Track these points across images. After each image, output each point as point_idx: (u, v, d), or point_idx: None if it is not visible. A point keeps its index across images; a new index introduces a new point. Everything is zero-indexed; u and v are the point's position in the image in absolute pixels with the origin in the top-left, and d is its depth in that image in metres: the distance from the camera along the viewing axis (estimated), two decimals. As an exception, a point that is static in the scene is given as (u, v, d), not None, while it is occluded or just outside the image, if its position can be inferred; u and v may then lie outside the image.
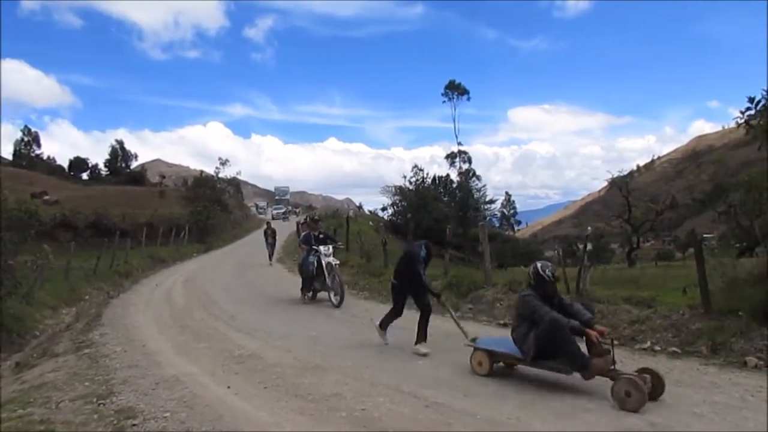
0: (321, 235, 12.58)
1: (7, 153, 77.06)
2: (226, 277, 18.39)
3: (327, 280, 11.72)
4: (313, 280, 12.21)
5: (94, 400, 5.87)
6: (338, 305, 11.40)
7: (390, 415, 4.86)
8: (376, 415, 4.89)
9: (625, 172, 41.07)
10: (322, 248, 11.96)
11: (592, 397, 5.04)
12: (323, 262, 11.75)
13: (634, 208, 37.30)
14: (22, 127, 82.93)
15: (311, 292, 12.51)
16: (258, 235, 41.84)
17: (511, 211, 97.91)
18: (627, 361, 6.17)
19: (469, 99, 71.29)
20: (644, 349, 6.61)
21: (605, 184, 45.88)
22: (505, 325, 8.68)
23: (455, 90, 70.94)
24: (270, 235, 23.59)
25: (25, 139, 77.92)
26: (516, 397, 5.16)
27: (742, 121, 7.30)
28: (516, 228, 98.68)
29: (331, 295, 11.71)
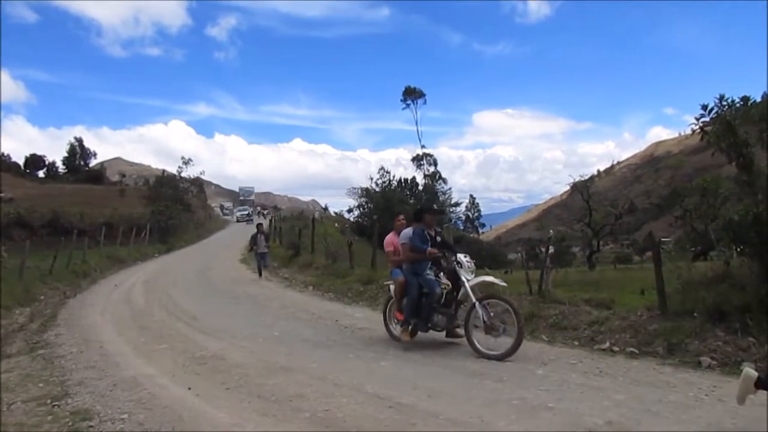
0: (438, 239, 7.82)
1: (-42, 149, 73.86)
2: (188, 278, 18.07)
3: (469, 315, 7.12)
4: (432, 313, 7.37)
5: (49, 401, 5.68)
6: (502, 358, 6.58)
7: (353, 416, 4.84)
8: (340, 415, 4.87)
9: (586, 177, 42.04)
10: (462, 257, 7.35)
11: (555, 395, 5.13)
12: (465, 283, 7.13)
13: (595, 212, 38.17)
14: (-26, 122, 79.85)
15: (431, 329, 7.52)
16: (222, 236, 41.48)
17: (476, 214, 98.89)
18: (586, 361, 6.33)
19: (425, 102, 72.06)
20: (603, 350, 6.77)
21: (567, 188, 46.92)
22: (469, 325, 8.75)
23: (412, 95, 71.75)
24: (262, 242, 17.79)
25: (-22, 134, 74.87)
26: (480, 397, 5.21)
27: (697, 127, 7.56)
28: (480, 231, 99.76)
29: (482, 346, 6.87)
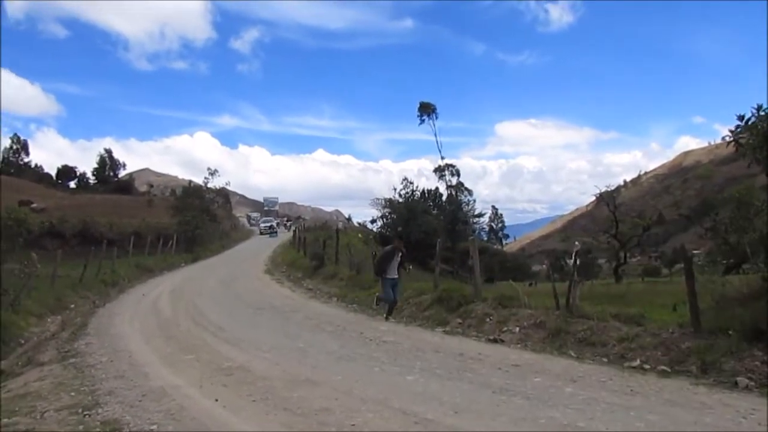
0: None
1: (-3, 161, 76.31)
2: (213, 288, 18.24)
3: None
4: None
5: (80, 410, 5.79)
6: None
7: None
8: (366, 431, 4.85)
9: (612, 187, 41.52)
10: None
11: (584, 414, 5.03)
12: None
13: (621, 224, 37.63)
14: (11, 135, 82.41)
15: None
16: (247, 247, 41.75)
17: (499, 225, 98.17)
18: (616, 379, 6.19)
19: (437, 117, 72.03)
20: (634, 368, 6.61)
21: (592, 198, 46.31)
22: (495, 340, 8.67)
23: (426, 110, 71.73)
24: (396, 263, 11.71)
25: (14, 147, 77.27)
26: (507, 414, 5.14)
27: (732, 139, 7.40)
28: (504, 242, 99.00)
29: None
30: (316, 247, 22.04)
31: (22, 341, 11.40)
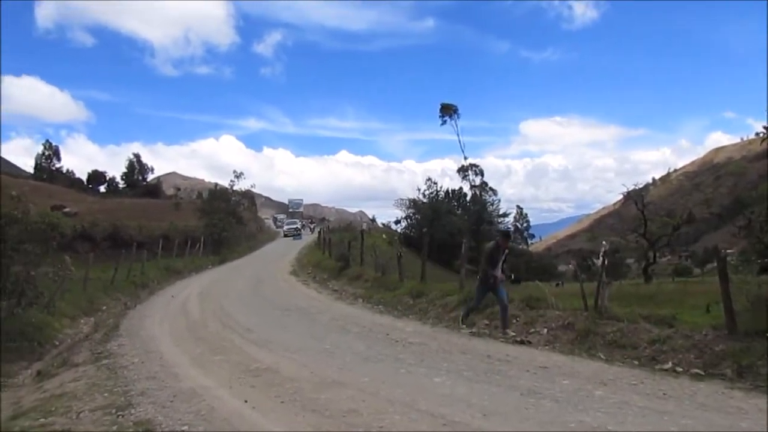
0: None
1: (28, 167, 78.81)
2: (240, 290, 18.46)
3: None
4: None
5: (113, 411, 5.91)
6: None
7: (408, 434, 4.82)
8: (394, 432, 4.86)
9: (641, 186, 40.81)
10: None
11: (615, 418, 4.96)
12: None
13: (650, 222, 36.94)
14: (43, 141, 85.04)
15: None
16: (272, 248, 42.16)
17: (524, 225, 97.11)
18: (648, 382, 6.08)
19: (459, 117, 71.76)
20: (665, 370, 6.49)
21: (620, 197, 45.56)
22: (522, 342, 8.60)
23: (448, 111, 71.55)
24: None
25: (46, 153, 79.39)
26: (536, 418, 5.09)
27: (766, 134, 7.23)
28: (529, 242, 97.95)
29: None
30: (341, 249, 22.14)
31: (57, 342, 11.70)
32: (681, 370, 6.43)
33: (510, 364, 7.19)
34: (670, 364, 6.59)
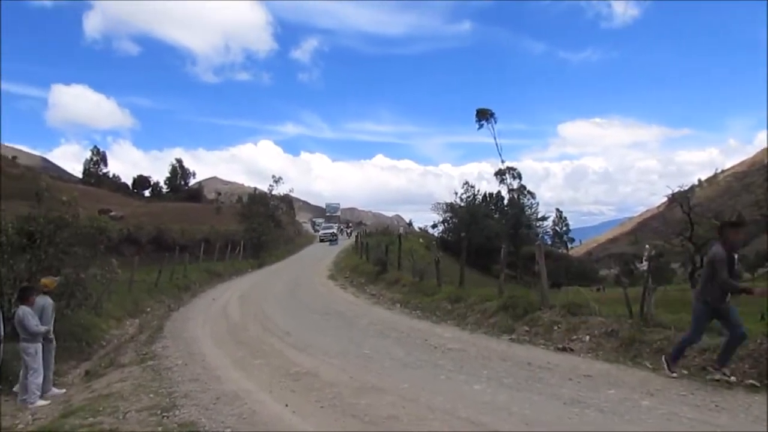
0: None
1: (77, 172, 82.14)
2: (279, 293, 18.68)
3: None
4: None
5: (159, 412, 6.06)
6: None
7: (449, 441, 4.77)
8: (435, 440, 4.82)
9: (686, 187, 39.49)
10: None
11: (665, 429, 4.80)
12: None
13: (697, 226, 35.60)
14: (90, 147, 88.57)
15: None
16: (310, 252, 42.53)
17: (564, 228, 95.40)
18: (699, 394, 5.85)
19: (496, 121, 71.30)
20: (717, 381, 6.22)
21: (664, 199, 44.23)
22: (564, 349, 8.41)
23: (484, 116, 71.27)
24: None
25: (94, 158, 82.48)
26: (581, 427, 4.97)
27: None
28: (569, 246, 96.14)
29: None
30: (378, 253, 22.15)
31: (104, 343, 12.08)
32: (734, 380, 6.15)
33: (552, 372, 7.04)
34: (721, 375, 6.32)
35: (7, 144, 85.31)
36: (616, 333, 8.31)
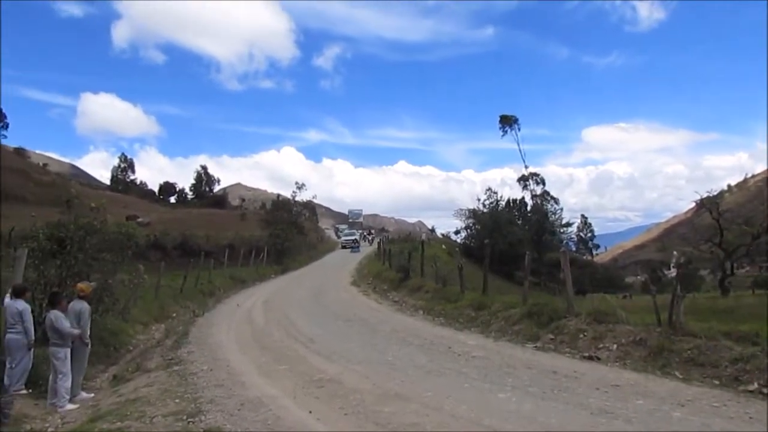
0: None
1: (105, 178, 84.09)
2: (302, 299, 18.76)
3: None
4: None
5: (184, 417, 6.12)
6: None
7: (474, 450, 4.72)
8: (460, 449, 4.77)
9: (715, 192, 38.70)
10: None
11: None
12: None
13: (726, 232, 34.83)
14: (118, 155, 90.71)
15: None
16: (332, 258, 42.62)
17: (589, 235, 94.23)
18: (731, 405, 5.70)
19: (519, 127, 71.20)
20: (750, 392, 6.06)
21: (692, 205, 43.39)
22: (590, 358, 8.28)
23: (507, 122, 71.19)
24: None
25: (122, 165, 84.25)
26: (608, 438, 4.87)
27: None
28: (594, 252, 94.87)
29: None
30: (401, 259, 22.11)
31: (131, 348, 12.26)
32: (768, 392, 5.99)
33: (578, 381, 6.93)
34: (755, 385, 6.15)
35: (38, 151, 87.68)
36: (644, 342, 8.16)
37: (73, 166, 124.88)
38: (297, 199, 46.73)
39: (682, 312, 8.67)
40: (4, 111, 76.87)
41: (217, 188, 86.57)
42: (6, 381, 8.09)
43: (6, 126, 76.05)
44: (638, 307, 14.86)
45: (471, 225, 50.11)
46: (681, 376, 6.96)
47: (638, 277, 67.60)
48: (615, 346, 8.48)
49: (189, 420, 6.01)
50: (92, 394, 8.44)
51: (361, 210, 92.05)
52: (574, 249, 75.80)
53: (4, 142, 65.90)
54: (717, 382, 6.56)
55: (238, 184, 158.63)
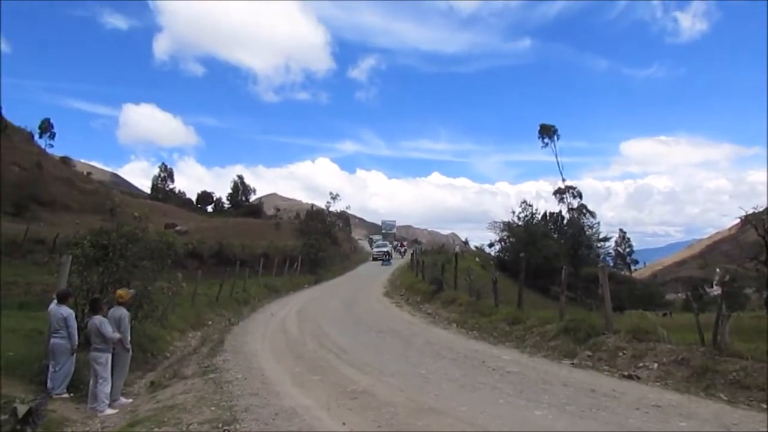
0: None
1: (145, 187, 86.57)
2: (336, 310, 18.82)
3: None
4: None
5: (220, 425, 6.18)
6: None
7: (509, 468, 4.64)
8: (495, 466, 4.69)
9: (761, 208, 37.30)
10: None
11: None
12: None
13: (773, 249, 33.49)
14: (158, 164, 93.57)
15: None
16: (365, 269, 42.63)
17: (627, 250, 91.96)
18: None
19: (558, 138, 70.50)
20: (801, 416, 5.81)
21: (736, 221, 41.96)
22: (629, 376, 8.06)
23: (547, 132, 70.59)
24: None
25: (162, 175, 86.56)
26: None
27: None
28: (633, 268, 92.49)
29: None
30: (434, 271, 22.02)
31: (168, 354, 12.49)
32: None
33: (617, 401, 6.75)
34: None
35: (82, 160, 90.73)
36: (686, 361, 7.91)
37: (115, 175, 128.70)
38: (331, 209, 47.06)
39: (727, 332, 8.37)
40: (51, 122, 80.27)
41: (252, 198, 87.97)
42: (49, 384, 8.36)
43: (53, 136, 79.26)
44: (679, 325, 14.42)
45: (505, 238, 49.57)
46: (726, 399, 6.72)
47: (679, 294, 65.63)
48: (656, 365, 8.24)
49: (225, 428, 6.07)
50: (130, 400, 8.62)
51: (395, 221, 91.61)
52: (611, 264, 74.12)
53: (50, 151, 68.57)
54: (765, 406, 6.30)
55: (274, 194, 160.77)
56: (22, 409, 5.90)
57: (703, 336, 8.36)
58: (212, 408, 6.96)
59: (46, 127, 78.81)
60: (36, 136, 71.49)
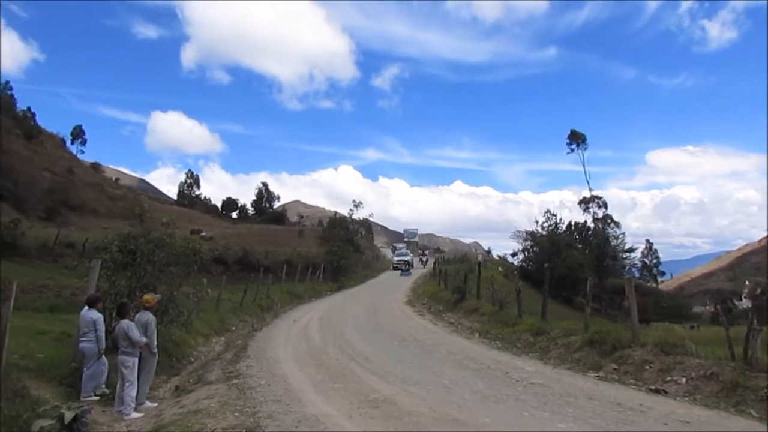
0: None
1: (172, 193, 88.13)
2: (358, 318, 18.84)
3: None
4: None
5: (243, 431, 6.23)
6: None
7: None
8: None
9: (794, 221, 36.40)
10: None
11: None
12: None
13: (807, 263, 32.63)
14: (185, 171, 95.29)
15: None
16: (387, 277, 42.55)
17: (653, 261, 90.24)
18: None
19: (586, 147, 69.80)
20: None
21: (766, 233, 40.98)
22: (657, 391, 7.91)
23: (576, 139, 69.99)
24: None
25: (188, 181, 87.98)
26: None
27: None
28: (659, 279, 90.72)
29: None
30: (456, 280, 21.90)
31: (192, 359, 12.64)
32: None
33: (644, 415, 6.63)
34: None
35: (111, 166, 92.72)
36: (716, 376, 7.74)
37: (142, 180, 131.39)
38: (354, 217, 47.22)
39: (758, 346, 8.17)
40: (83, 128, 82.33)
41: (276, 205, 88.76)
42: (86, 387, 8.53)
43: (84, 142, 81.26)
44: (707, 338, 14.10)
45: (529, 247, 49.14)
46: (757, 415, 6.55)
47: (707, 307, 64.24)
48: (684, 379, 8.07)
49: (248, 434, 6.13)
50: (156, 404, 8.74)
51: (417, 229, 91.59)
52: (637, 275, 72.77)
53: (81, 157, 70.26)
54: (799, 425, 6.13)
55: (297, 201, 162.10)
56: (69, 416, 6.04)
57: (733, 350, 8.17)
58: (236, 414, 7.02)
59: (78, 134, 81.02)
60: (68, 142, 73.39)
